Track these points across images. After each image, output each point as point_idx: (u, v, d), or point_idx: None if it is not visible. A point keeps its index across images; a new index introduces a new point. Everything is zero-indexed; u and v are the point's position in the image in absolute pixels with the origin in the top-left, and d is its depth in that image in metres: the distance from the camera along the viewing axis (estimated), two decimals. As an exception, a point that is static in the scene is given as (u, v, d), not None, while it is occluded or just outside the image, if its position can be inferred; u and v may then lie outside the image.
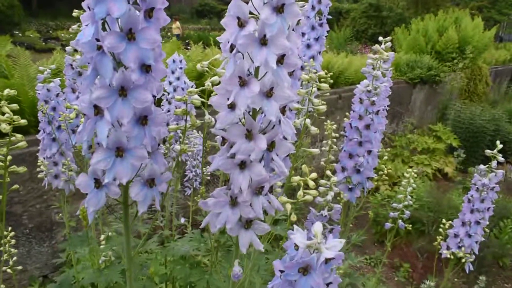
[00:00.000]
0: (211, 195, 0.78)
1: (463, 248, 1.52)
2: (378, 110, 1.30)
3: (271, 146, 0.73)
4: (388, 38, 1.43)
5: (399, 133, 7.54)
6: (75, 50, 1.42)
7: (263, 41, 0.66)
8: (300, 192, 0.74)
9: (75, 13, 1.36)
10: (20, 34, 14.32)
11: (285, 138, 0.75)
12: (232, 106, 0.70)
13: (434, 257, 4.57)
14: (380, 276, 3.37)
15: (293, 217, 0.75)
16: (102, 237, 1.70)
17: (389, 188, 5.58)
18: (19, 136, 0.71)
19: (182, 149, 0.85)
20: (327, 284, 0.57)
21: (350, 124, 1.32)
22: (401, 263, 4.36)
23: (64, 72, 1.42)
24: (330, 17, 1.66)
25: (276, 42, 0.66)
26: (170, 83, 1.92)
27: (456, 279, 4.39)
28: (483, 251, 4.40)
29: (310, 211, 1.11)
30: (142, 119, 0.65)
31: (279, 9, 0.66)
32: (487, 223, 1.53)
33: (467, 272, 1.57)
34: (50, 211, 3.27)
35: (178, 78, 1.93)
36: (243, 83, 0.68)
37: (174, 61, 1.93)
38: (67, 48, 1.41)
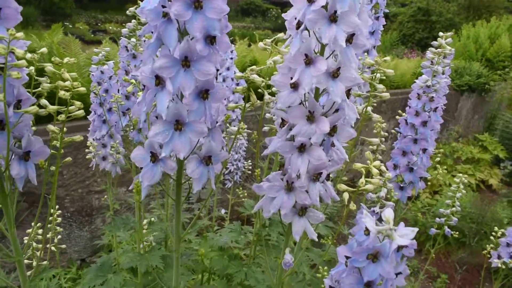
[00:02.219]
0: (266, 179, 0.76)
1: (517, 259, 1.43)
2: (436, 107, 1.24)
3: (333, 130, 0.70)
4: (449, 33, 1.36)
5: (443, 140, 7.31)
6: (131, 33, 1.42)
7: (333, 18, 0.63)
8: (362, 180, 0.70)
9: (129, 12, 1.38)
10: (71, 26, 14.79)
11: (347, 124, 0.72)
12: (295, 86, 0.67)
13: (474, 270, 4.39)
14: (418, 285, 3.26)
15: (353, 206, 0.71)
16: (145, 221, 1.71)
17: (429, 196, 5.41)
18: (77, 103, 0.70)
19: (240, 128, 0.82)
20: (396, 274, 0.53)
21: (406, 120, 1.27)
22: (439, 273, 4.22)
23: (119, 53, 1.43)
24: (387, 10, 1.60)
25: (347, 19, 0.63)
26: (220, 73, 1.91)
27: (497, 295, 4.21)
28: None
29: (361, 207, 1.06)
30: (203, 93, 0.63)
31: (352, -16, 0.62)
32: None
33: (520, 284, 1.48)
34: (91, 197, 3.34)
35: (228, 69, 1.92)
36: (308, 61, 0.65)
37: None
38: (123, 31, 1.42)
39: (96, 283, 1.54)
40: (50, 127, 0.68)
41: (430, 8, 14.07)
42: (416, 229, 0.52)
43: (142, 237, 1.67)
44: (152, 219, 1.75)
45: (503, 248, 1.47)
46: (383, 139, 1.39)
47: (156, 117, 0.67)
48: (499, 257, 1.49)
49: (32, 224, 1.33)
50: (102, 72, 1.45)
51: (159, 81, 0.61)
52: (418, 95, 1.24)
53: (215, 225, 2.01)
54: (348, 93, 0.69)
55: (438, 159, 1.52)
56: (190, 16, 0.58)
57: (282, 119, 0.72)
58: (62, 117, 0.68)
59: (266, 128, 1.15)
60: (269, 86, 0.82)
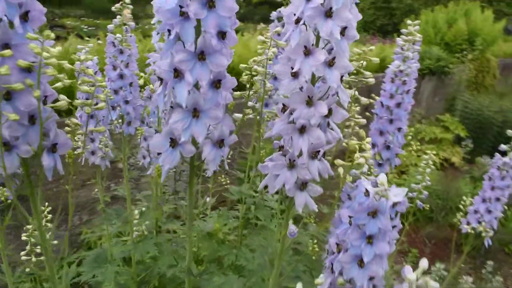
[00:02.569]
0: (269, 159, 0.84)
1: (483, 224, 1.58)
2: (409, 90, 1.35)
3: (329, 112, 0.79)
4: (417, 21, 1.47)
5: (413, 103, 7.58)
6: (116, 29, 1.47)
7: (328, 13, 0.72)
8: (357, 154, 0.80)
9: (115, 8, 1.44)
10: (27, 21, 14.36)
11: (341, 106, 0.81)
12: (295, 75, 0.76)
13: (441, 243, 4.63)
14: (392, 260, 3.43)
15: (349, 178, 0.81)
16: (136, 211, 1.76)
17: (396, 176, 5.64)
18: (62, 96, 0.74)
19: (245, 114, 0.90)
20: (393, 227, 0.63)
21: (381, 102, 1.38)
22: (410, 248, 4.44)
23: (106, 49, 1.48)
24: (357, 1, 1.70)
25: (341, 14, 0.72)
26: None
27: (463, 265, 4.46)
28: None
29: (345, 185, 1.16)
30: (216, 83, 0.71)
31: (344, -16, 0.71)
32: (506, 200, 1.59)
33: (487, 247, 1.63)
34: (67, 195, 3.33)
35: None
36: (307, 52, 0.74)
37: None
38: (109, 27, 1.47)
39: (95, 274, 1.60)
40: (74, 120, 0.74)
41: (389, -5, 14.40)
42: (406, 189, 0.62)
43: (132, 228, 1.74)
44: (143, 209, 1.81)
45: (471, 215, 1.62)
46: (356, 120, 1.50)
47: (171, 107, 0.75)
48: (468, 223, 1.63)
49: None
50: (87, 68, 1.49)
51: (178, 73, 0.68)
52: (392, 79, 1.35)
53: (201, 213, 2.07)
54: (341, 79, 0.79)
55: (410, 137, 1.65)
56: (206, 15, 0.66)
57: (283, 104, 0.81)
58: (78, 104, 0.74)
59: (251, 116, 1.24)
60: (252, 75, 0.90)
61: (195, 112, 0.70)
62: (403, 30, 1.43)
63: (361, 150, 0.81)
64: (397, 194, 0.61)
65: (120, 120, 1.58)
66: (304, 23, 0.74)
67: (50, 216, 1.71)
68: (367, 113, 1.55)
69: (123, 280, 1.73)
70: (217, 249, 1.85)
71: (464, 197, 1.68)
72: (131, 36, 1.48)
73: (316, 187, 0.86)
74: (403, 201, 0.61)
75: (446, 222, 4.67)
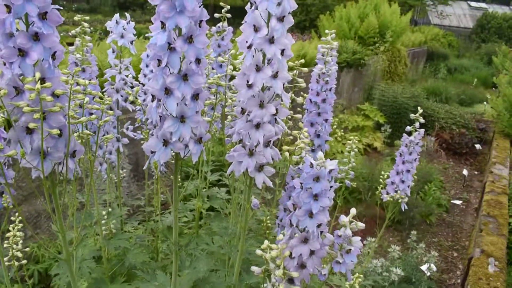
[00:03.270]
0: (233, 150, 1.11)
1: (398, 192, 1.95)
2: (331, 88, 1.68)
3: (276, 112, 1.07)
4: (333, 30, 1.79)
5: (335, 98, 8.11)
6: (76, 50, 1.66)
7: (272, 41, 1.00)
8: (298, 141, 1.09)
9: (77, 17, 1.63)
10: None
11: (284, 106, 1.10)
12: (250, 86, 1.04)
13: (371, 221, 5.11)
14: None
15: (292, 160, 1.10)
16: (104, 212, 1.95)
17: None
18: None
19: (213, 116, 1.17)
20: (330, 187, 0.93)
21: (310, 99, 1.69)
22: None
23: (68, 68, 1.66)
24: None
25: (280, 41, 1.00)
26: (145, 75, 2.18)
27: (391, 238, 4.98)
28: (412, 211, 5.03)
29: (289, 169, 1.45)
30: (196, 96, 0.96)
31: (281, 19, 0.99)
32: (415, 171, 1.97)
33: (403, 210, 2.00)
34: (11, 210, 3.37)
35: (152, 71, 2.20)
36: (258, 69, 1.02)
37: (147, 55, 2.20)
38: (70, 48, 1.65)
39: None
40: (86, 132, 0.96)
41: (304, -8, 15.04)
42: (336, 161, 0.91)
43: (101, 227, 1.92)
44: (110, 210, 2.00)
45: (389, 186, 1.98)
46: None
47: (160, 116, 0.99)
48: (387, 193, 2.00)
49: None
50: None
51: (168, 91, 0.93)
52: (317, 80, 1.66)
53: (159, 209, 2.29)
54: (283, 86, 1.07)
55: (334, 126, 1.98)
56: (187, 48, 0.91)
57: (242, 108, 1.08)
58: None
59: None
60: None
61: (182, 119, 0.96)
62: (322, 39, 1.74)
63: (305, 136, 1.10)
64: (331, 164, 0.91)
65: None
66: (254, 48, 1.02)
67: (21, 225, 1.85)
68: (299, 109, 1.86)
69: (97, 275, 1.90)
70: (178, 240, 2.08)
71: (383, 172, 2.04)
72: (91, 55, 1.68)
73: (270, 168, 1.14)
74: (336, 168, 0.91)
75: (373, 202, 5.16)
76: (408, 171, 1.92)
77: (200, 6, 0.92)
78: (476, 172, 6.99)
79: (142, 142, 1.92)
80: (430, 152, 6.81)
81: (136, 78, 2.00)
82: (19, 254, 1.56)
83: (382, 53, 9.53)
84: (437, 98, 9.70)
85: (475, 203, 5.93)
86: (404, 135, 1.93)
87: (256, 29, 1.00)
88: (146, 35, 0.93)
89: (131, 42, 1.78)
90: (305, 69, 1.32)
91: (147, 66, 2.19)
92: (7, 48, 0.78)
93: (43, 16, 0.80)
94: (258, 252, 1.06)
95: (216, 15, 1.93)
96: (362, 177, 5.34)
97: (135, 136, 1.90)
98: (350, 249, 0.95)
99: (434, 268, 3.62)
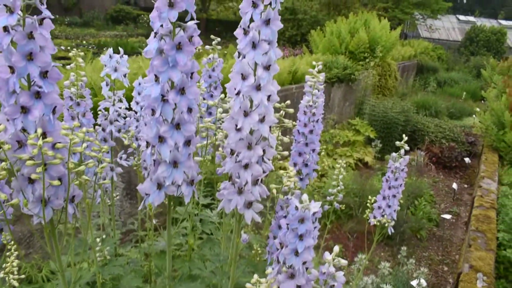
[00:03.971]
0: (223, 187, 1.17)
1: (385, 216, 2.01)
2: (318, 119, 1.75)
3: (263, 152, 1.14)
4: (320, 62, 1.86)
5: (322, 129, 8.20)
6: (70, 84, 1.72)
7: (258, 88, 1.07)
8: (285, 180, 1.15)
9: (71, 54, 1.69)
10: None
11: (270, 147, 1.16)
12: (239, 129, 1.10)
13: (362, 236, 5.15)
14: (319, 258, 3.85)
15: (281, 196, 1.16)
16: (98, 239, 1.99)
17: (317, 180, 6.16)
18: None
19: (204, 157, 1.23)
20: (314, 228, 0.99)
21: (298, 130, 1.76)
22: (335, 244, 4.93)
23: (64, 103, 1.72)
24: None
25: (266, 88, 1.07)
26: (137, 103, 2.24)
27: (382, 253, 5.04)
28: (403, 226, 5.10)
29: (278, 199, 1.51)
30: (188, 142, 1.02)
31: (267, 68, 1.06)
32: (401, 195, 2.04)
33: (390, 233, 2.06)
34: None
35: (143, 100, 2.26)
36: (246, 114, 1.08)
37: (139, 83, 2.26)
38: (65, 83, 1.71)
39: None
40: (84, 177, 1.02)
41: (295, 7, 15.24)
42: (320, 203, 0.98)
43: (95, 254, 1.97)
44: (104, 236, 2.04)
45: (376, 210, 2.05)
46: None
47: (154, 161, 1.05)
48: (374, 217, 2.06)
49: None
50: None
51: (161, 139, 0.99)
52: (304, 111, 1.73)
53: (151, 233, 2.33)
54: (270, 128, 1.14)
55: (322, 153, 2.04)
56: (179, 99, 0.97)
57: (231, 149, 1.14)
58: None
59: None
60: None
61: (175, 164, 1.02)
62: (310, 70, 1.81)
63: (291, 175, 1.17)
64: (315, 206, 0.97)
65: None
66: (242, 95, 1.09)
67: (16, 253, 1.89)
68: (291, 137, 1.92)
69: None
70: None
71: (370, 197, 2.11)
72: (85, 90, 1.74)
73: (258, 204, 1.20)
74: (319, 211, 0.97)
75: (364, 217, 5.24)
76: (394, 196, 1.99)
77: (191, 59, 0.99)
78: (465, 185, 7.09)
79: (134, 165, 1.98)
80: (420, 167, 6.90)
81: (129, 104, 2.06)
82: (16, 284, 1.60)
83: (372, 68, 9.66)
84: (426, 112, 9.83)
85: (464, 217, 6.02)
86: (390, 161, 2.00)
87: (244, 77, 1.07)
88: (142, 50, 1.00)
89: (124, 75, 1.84)
90: (291, 110, 1.39)
91: (139, 93, 2.25)
92: (10, 106, 0.84)
93: (44, 75, 0.86)
94: (248, 286, 1.12)
95: (207, 47, 2.00)
96: (353, 193, 5.41)
97: (128, 165, 1.95)
98: (334, 285, 1.01)
99: (424, 284, 3.67)
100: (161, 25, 0.94)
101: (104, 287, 2.07)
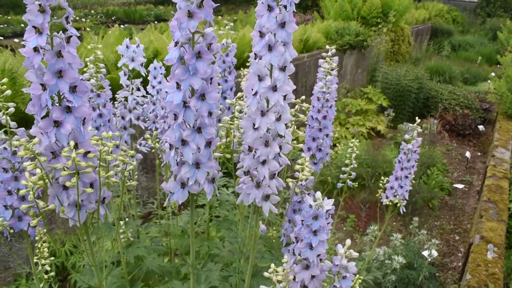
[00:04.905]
0: (242, 182, 1.23)
1: (397, 196, 2.07)
2: (331, 105, 1.78)
3: (279, 148, 1.19)
4: (335, 57, 1.84)
5: (335, 114, 8.17)
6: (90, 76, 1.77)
7: (275, 89, 1.11)
8: (300, 175, 1.21)
9: (90, 46, 1.74)
10: None
11: (287, 143, 1.21)
12: (256, 128, 1.15)
13: (374, 206, 5.24)
14: (332, 228, 3.95)
15: (297, 189, 1.22)
16: (122, 222, 2.09)
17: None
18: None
19: (222, 155, 1.29)
20: (328, 223, 1.06)
21: (312, 116, 1.80)
22: (348, 214, 5.03)
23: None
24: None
25: (282, 88, 1.11)
26: (153, 87, 2.29)
27: (394, 223, 5.13)
28: (415, 197, 5.16)
29: (292, 183, 1.56)
30: (208, 144, 1.08)
31: (283, 69, 1.10)
32: (413, 176, 2.08)
33: (402, 213, 2.12)
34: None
35: (160, 82, 2.31)
36: (263, 114, 1.13)
37: (155, 68, 2.30)
38: (85, 75, 1.76)
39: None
40: (113, 180, 1.09)
41: (307, -29, 14.88)
42: (333, 200, 1.04)
43: (119, 235, 2.07)
44: (127, 219, 2.14)
45: (388, 191, 2.10)
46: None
47: (177, 162, 1.11)
48: (386, 197, 2.12)
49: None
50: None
51: (184, 142, 1.05)
52: (318, 98, 1.77)
53: (170, 213, 2.43)
54: (286, 125, 1.18)
55: (336, 135, 2.09)
56: (200, 105, 1.02)
57: (249, 146, 1.19)
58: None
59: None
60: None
61: (197, 165, 1.08)
62: (324, 55, 1.83)
63: (307, 170, 1.23)
64: (328, 204, 1.03)
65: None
66: (259, 95, 1.13)
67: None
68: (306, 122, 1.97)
69: (117, 280, 2.05)
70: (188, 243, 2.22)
71: (382, 177, 2.16)
72: (105, 81, 1.79)
73: (276, 197, 1.26)
74: (332, 209, 1.03)
75: (376, 187, 5.30)
76: (406, 177, 2.04)
77: (210, 65, 1.03)
78: (479, 154, 7.08)
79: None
80: (433, 135, 6.89)
81: (144, 88, 2.10)
82: (48, 268, 1.71)
83: (385, 34, 9.50)
84: (440, 78, 9.71)
85: (477, 186, 6.05)
86: (402, 143, 2.04)
87: (261, 79, 1.11)
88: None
89: (141, 64, 1.89)
90: (306, 105, 1.43)
91: (155, 77, 2.30)
92: (44, 120, 0.90)
93: (73, 89, 0.91)
94: (266, 274, 1.20)
95: (221, 32, 2.03)
96: (366, 163, 5.46)
97: (147, 150, 2.02)
98: (346, 276, 1.08)
99: (435, 254, 3.76)
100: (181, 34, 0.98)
101: (129, 267, 2.18)
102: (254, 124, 1.14)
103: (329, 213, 1.06)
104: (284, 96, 1.14)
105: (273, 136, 1.18)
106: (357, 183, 2.30)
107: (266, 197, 1.24)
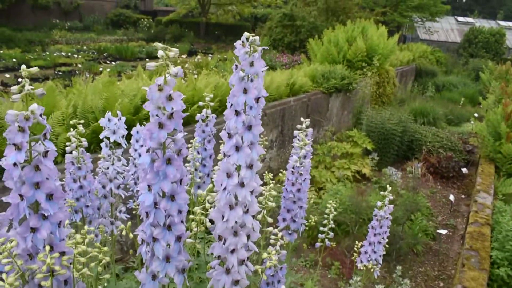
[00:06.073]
0: (212, 268, 1.30)
1: (371, 262, 2.14)
2: (305, 178, 1.87)
3: (247, 237, 1.26)
4: (307, 123, 1.93)
5: (320, 140, 8.30)
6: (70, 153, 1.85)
7: (242, 185, 1.19)
8: (272, 257, 1.29)
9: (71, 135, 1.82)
10: None
11: (254, 231, 1.28)
12: (226, 220, 1.22)
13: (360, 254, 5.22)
14: (317, 276, 3.95)
15: (264, 277, 1.28)
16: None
17: (316, 194, 6.27)
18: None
19: (192, 245, 1.35)
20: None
21: (286, 188, 1.88)
22: (332, 261, 5.04)
23: (66, 167, 1.85)
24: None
25: (250, 184, 1.19)
26: (135, 149, 2.37)
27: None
28: (399, 243, 5.21)
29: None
30: (178, 239, 1.15)
31: (249, 167, 1.19)
32: (386, 240, 2.16)
33: (375, 277, 2.18)
34: None
35: (142, 146, 2.38)
36: (231, 207, 1.20)
37: (137, 132, 2.38)
38: (67, 149, 1.83)
39: None
40: (87, 272, 1.15)
41: (294, 14, 15.33)
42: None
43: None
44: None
45: (363, 255, 2.17)
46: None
47: (149, 252, 1.17)
48: (361, 261, 2.18)
49: None
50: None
51: (154, 239, 1.12)
52: (292, 171, 1.85)
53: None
54: (253, 217, 1.26)
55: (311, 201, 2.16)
56: (170, 205, 1.10)
57: (219, 235, 1.26)
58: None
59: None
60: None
61: (168, 259, 1.14)
62: (298, 136, 1.92)
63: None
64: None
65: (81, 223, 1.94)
66: (228, 191, 1.21)
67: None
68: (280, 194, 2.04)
69: None
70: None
71: (357, 242, 2.23)
72: (86, 154, 1.86)
73: (245, 281, 1.32)
74: None
75: (360, 233, 5.34)
76: (379, 242, 2.11)
77: (179, 168, 1.11)
78: (463, 196, 7.20)
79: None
80: (417, 180, 7.00)
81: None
82: None
83: (370, 78, 9.75)
84: (425, 120, 9.93)
85: (461, 229, 6.12)
86: (375, 210, 2.12)
87: (229, 176, 1.19)
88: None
89: (122, 137, 1.97)
90: (274, 193, 1.51)
91: (137, 141, 2.38)
92: (21, 226, 0.97)
93: (49, 197, 0.99)
94: None
95: (200, 103, 2.12)
96: (350, 210, 5.52)
97: (127, 218, 2.08)
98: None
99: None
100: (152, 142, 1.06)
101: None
102: (223, 216, 1.22)
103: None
104: (252, 191, 1.22)
105: (241, 226, 1.26)
106: (341, 229, 2.36)
107: (236, 282, 1.30)
